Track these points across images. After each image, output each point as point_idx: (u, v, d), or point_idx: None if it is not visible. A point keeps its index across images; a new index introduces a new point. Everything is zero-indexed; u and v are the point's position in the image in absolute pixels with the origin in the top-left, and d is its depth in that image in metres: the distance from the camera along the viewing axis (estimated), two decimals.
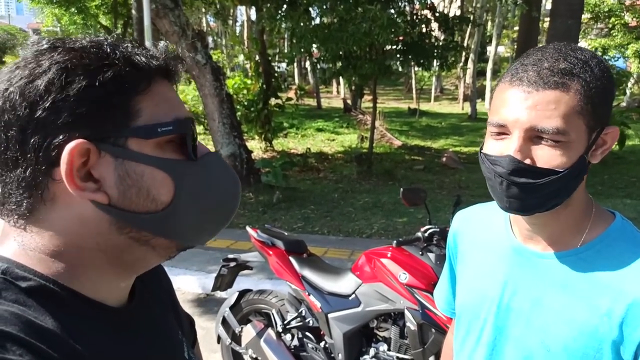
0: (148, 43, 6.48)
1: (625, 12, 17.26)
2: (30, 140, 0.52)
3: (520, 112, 0.74)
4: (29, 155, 0.52)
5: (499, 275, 0.89)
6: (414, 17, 9.22)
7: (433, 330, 2.34)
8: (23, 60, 0.55)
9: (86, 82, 0.52)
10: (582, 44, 15.99)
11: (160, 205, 0.57)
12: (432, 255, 2.44)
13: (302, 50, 8.45)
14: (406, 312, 2.39)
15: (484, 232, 0.96)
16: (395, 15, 8.12)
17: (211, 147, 8.48)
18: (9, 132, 0.52)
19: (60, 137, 0.52)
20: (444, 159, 11.17)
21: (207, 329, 3.62)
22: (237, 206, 0.66)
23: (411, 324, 2.37)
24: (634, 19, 17.81)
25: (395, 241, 2.39)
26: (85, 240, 0.56)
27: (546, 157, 0.74)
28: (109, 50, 0.56)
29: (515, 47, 15.40)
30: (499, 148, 0.78)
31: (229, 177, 0.65)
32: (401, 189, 2.54)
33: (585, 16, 15.58)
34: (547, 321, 0.80)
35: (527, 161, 0.75)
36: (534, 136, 0.75)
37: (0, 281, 0.51)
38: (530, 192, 0.76)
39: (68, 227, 0.55)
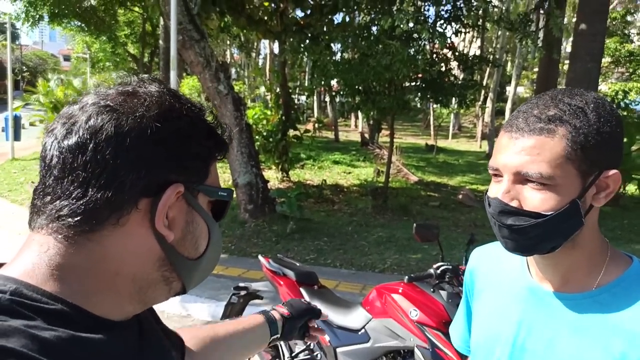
0: (173, 73, 6.67)
1: None
2: (138, 169, 0.57)
3: (508, 156, 0.78)
4: (123, 180, 0.56)
5: (514, 314, 0.89)
6: (434, 55, 9.36)
7: None
8: (145, 94, 0.60)
9: (201, 141, 0.63)
10: (603, 87, 15.98)
11: (197, 254, 0.65)
12: (444, 293, 2.41)
13: (323, 82, 8.60)
14: (416, 350, 2.35)
15: (500, 270, 0.96)
16: (415, 53, 8.24)
17: (228, 176, 8.59)
18: (122, 153, 0.55)
19: (165, 176, 0.59)
20: (460, 196, 11.10)
21: None
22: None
23: None
24: None
25: (406, 277, 2.38)
26: (127, 267, 0.59)
27: (531, 200, 0.77)
28: (216, 121, 0.67)
29: (535, 87, 15.43)
30: (494, 190, 0.82)
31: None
32: (414, 225, 2.54)
33: (606, 60, 15.62)
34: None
35: (514, 203, 0.78)
36: (522, 180, 0.78)
37: (7, 303, 0.51)
38: (519, 234, 0.78)
39: (120, 253, 0.58)
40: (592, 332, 0.78)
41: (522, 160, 0.76)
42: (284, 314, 1.09)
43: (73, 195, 0.56)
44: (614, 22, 16.62)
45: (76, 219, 0.56)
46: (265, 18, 10.31)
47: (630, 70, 17.49)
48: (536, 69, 19.24)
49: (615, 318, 0.77)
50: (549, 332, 0.83)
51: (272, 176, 11.44)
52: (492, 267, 0.99)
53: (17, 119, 14.71)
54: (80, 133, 0.56)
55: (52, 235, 0.57)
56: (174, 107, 0.61)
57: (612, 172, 0.78)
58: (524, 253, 0.83)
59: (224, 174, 9.17)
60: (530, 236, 0.78)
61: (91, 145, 0.55)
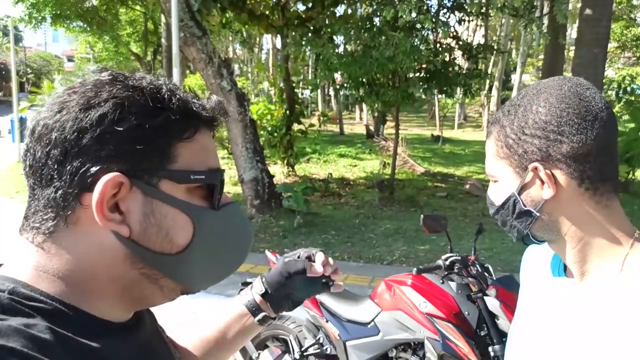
0: (176, 70, 6.67)
1: None
2: (69, 163, 0.54)
3: None
4: (64, 177, 0.54)
5: (541, 307, 0.88)
6: (437, 45, 9.28)
7: None
8: (82, 87, 0.57)
9: (137, 122, 0.55)
10: (610, 72, 15.81)
11: (176, 247, 0.59)
12: (453, 284, 2.39)
13: (327, 75, 8.56)
14: (426, 342, 2.34)
15: (537, 264, 0.97)
16: (419, 43, 8.17)
17: (234, 171, 8.59)
18: (51, 151, 0.54)
19: (99, 166, 0.54)
20: (467, 186, 11.04)
21: None
22: (244, 259, 0.69)
23: (431, 355, 2.32)
24: None
25: (415, 269, 2.36)
26: (99, 268, 0.57)
27: (490, 191, 0.86)
28: (166, 95, 0.59)
29: (540, 75, 15.30)
30: None
31: (245, 230, 0.68)
32: (422, 216, 2.52)
33: (612, 45, 15.44)
34: (591, 351, 0.77)
35: (488, 195, 0.87)
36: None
37: (7, 301, 0.51)
38: (495, 220, 0.86)
39: (85, 253, 0.56)
40: (617, 321, 0.75)
41: (486, 162, 0.86)
42: (261, 292, 0.90)
43: (31, 199, 0.57)
44: (619, 6, 16.41)
45: (36, 222, 0.56)
46: (267, 12, 10.28)
47: (637, 55, 17.29)
48: (541, 56, 19.07)
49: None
50: (570, 324, 0.80)
51: (278, 171, 11.44)
52: (534, 262, 0.99)
53: (23, 121, 14.79)
54: (26, 139, 0.58)
55: (30, 241, 0.57)
56: (100, 91, 0.56)
57: (532, 165, 0.76)
58: (522, 242, 0.85)
59: (229, 170, 9.17)
60: (500, 224, 0.85)
61: (31, 147, 0.56)
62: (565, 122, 0.74)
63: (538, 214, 0.78)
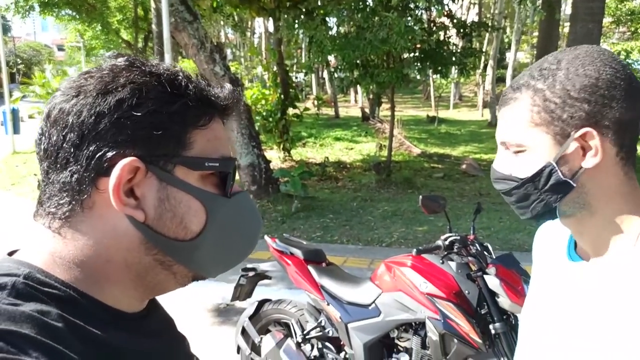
0: (167, 56, 6.58)
1: None
2: (86, 147, 0.54)
3: (497, 128, 0.83)
4: (80, 161, 0.54)
5: (554, 286, 0.87)
6: (431, 24, 9.19)
7: (455, 340, 2.29)
8: (98, 71, 0.57)
9: (154, 108, 0.56)
10: (605, 47, 15.72)
11: (190, 234, 0.59)
12: (452, 264, 2.40)
13: (320, 58, 8.48)
14: (427, 321, 2.35)
15: (551, 243, 0.95)
16: (412, 23, 8.08)
17: None
18: (68, 134, 0.55)
19: (116, 151, 0.54)
20: (464, 166, 11.05)
21: (226, 339, 3.61)
22: (254, 246, 0.69)
23: (433, 334, 2.33)
24: None
25: (415, 249, 2.36)
26: (114, 254, 0.57)
27: (510, 165, 0.79)
28: (183, 82, 0.59)
29: (535, 52, 15.21)
30: None
31: (254, 218, 0.69)
32: (420, 197, 2.51)
33: (607, 19, 15.33)
34: (604, 337, 0.74)
35: (503, 170, 0.81)
36: (506, 148, 0.80)
37: (22, 286, 0.51)
38: (508, 198, 0.81)
39: (100, 238, 0.57)
40: (634, 297, 0.74)
41: (500, 130, 0.80)
42: None
43: (45, 184, 0.58)
44: None
45: (52, 207, 0.57)
46: None
47: (632, 29, 17.20)
48: (536, 33, 18.94)
49: None
50: (588, 304, 0.78)
51: (274, 156, 11.40)
52: (549, 242, 0.97)
53: (15, 112, 14.64)
54: (41, 123, 0.58)
55: (47, 227, 0.58)
56: (117, 77, 0.56)
57: (583, 130, 0.72)
58: (533, 220, 0.82)
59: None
60: (515, 200, 0.80)
61: (46, 131, 0.57)
62: (615, 86, 0.71)
63: (574, 185, 0.75)
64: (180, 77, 0.59)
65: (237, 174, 0.67)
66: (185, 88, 0.59)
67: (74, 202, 0.56)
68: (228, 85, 0.65)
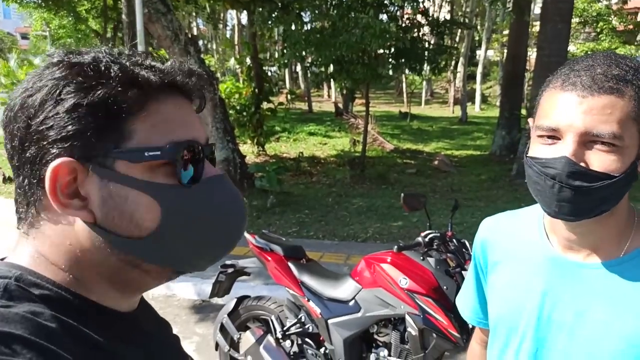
0: (141, 47, 6.44)
1: (612, 16, 17.49)
2: (26, 152, 0.53)
3: (574, 116, 0.74)
4: (26, 166, 0.54)
5: (537, 286, 0.88)
6: (406, 22, 9.27)
7: (434, 335, 2.34)
8: (33, 72, 0.56)
9: (75, 101, 0.52)
10: (571, 47, 16.17)
11: (145, 231, 0.55)
12: (432, 260, 2.44)
13: (297, 54, 8.45)
14: (407, 317, 2.39)
15: (516, 242, 0.95)
16: (388, 21, 8.14)
17: None
18: (13, 141, 0.54)
19: (53, 152, 0.52)
20: (436, 162, 11.22)
21: (204, 336, 3.59)
22: (239, 235, 0.63)
23: (412, 329, 2.37)
24: (622, 23, 18.04)
25: (395, 246, 2.39)
26: (80, 255, 0.56)
27: (601, 161, 0.74)
28: (104, 67, 0.53)
29: (505, 51, 15.53)
30: (550, 152, 0.77)
31: (232, 203, 0.61)
32: (402, 195, 2.54)
33: (574, 20, 15.77)
34: (592, 333, 0.79)
35: (582, 164, 0.75)
36: (587, 141, 0.74)
37: (14, 288, 0.51)
38: (584, 196, 0.75)
39: (63, 240, 0.56)
40: (624, 300, 0.78)
41: (592, 119, 0.73)
42: None
43: (15, 188, 0.58)
44: None
45: (18, 212, 0.57)
46: None
47: (597, 30, 17.73)
48: (506, 32, 19.33)
49: None
50: (577, 303, 0.82)
51: (248, 150, 11.33)
52: (506, 238, 0.97)
53: None
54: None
55: (21, 230, 0.58)
56: (42, 75, 0.54)
57: None
58: (576, 218, 0.78)
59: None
60: (594, 198, 0.75)
61: (5, 139, 0.56)
62: None
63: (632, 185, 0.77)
64: (101, 62, 0.54)
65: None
66: (107, 73, 0.53)
67: (29, 206, 0.56)
68: (171, 60, 0.60)
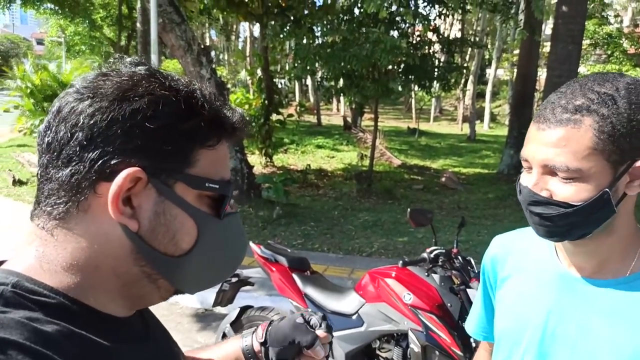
0: (154, 56, 6.53)
1: (623, 39, 17.50)
2: (92, 149, 0.54)
3: (535, 148, 0.78)
4: (84, 161, 0.54)
5: (544, 301, 0.89)
6: (417, 38, 9.33)
7: (437, 352, 2.33)
8: (117, 76, 0.57)
9: (168, 123, 0.56)
10: (582, 69, 16.18)
11: (179, 251, 0.59)
12: (436, 277, 2.44)
13: (308, 69, 8.51)
14: (410, 333, 2.38)
15: (527, 258, 0.96)
16: (399, 36, 8.20)
17: None
18: (77, 133, 0.54)
19: (121, 159, 0.54)
20: (443, 179, 11.20)
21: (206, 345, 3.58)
22: (237, 267, 0.70)
23: (415, 346, 2.36)
24: (632, 46, 18.04)
25: (400, 261, 2.39)
26: (103, 260, 0.57)
27: (560, 191, 0.77)
28: (200, 102, 0.59)
29: (516, 70, 15.56)
30: (526, 180, 0.82)
31: (241, 240, 0.69)
32: (409, 210, 2.55)
33: (585, 42, 15.79)
34: (594, 349, 0.79)
35: (544, 193, 0.78)
36: (550, 171, 0.77)
37: (10, 294, 0.51)
38: (549, 222, 0.78)
39: (92, 243, 0.56)
40: (627, 318, 0.78)
41: (548, 152, 0.76)
42: (261, 342, 0.88)
43: (43, 180, 0.57)
44: (591, 4, 16.78)
45: (48, 206, 0.57)
46: (246, 0, 10.12)
47: (608, 52, 17.74)
48: (516, 51, 19.39)
49: None
50: (582, 319, 0.82)
51: (256, 161, 11.37)
52: (517, 254, 0.98)
53: None
54: (49, 116, 0.57)
55: (42, 228, 0.57)
56: (137, 86, 0.56)
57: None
58: (556, 239, 0.83)
59: None
60: (560, 224, 0.78)
61: (53, 125, 0.56)
62: None
63: (616, 211, 0.77)
64: (197, 96, 0.59)
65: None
66: (201, 107, 0.59)
67: (70, 203, 0.55)
68: (239, 110, 0.66)
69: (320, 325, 0.87)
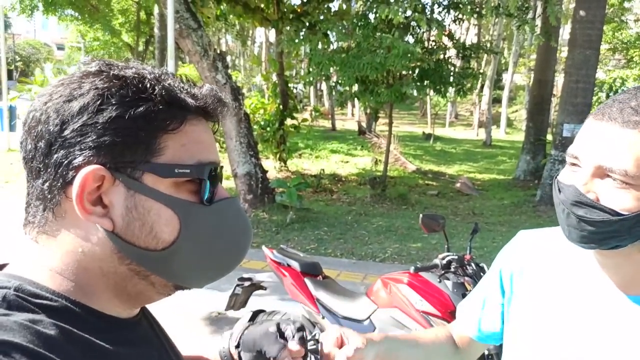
0: (171, 62, 6.62)
1: None
2: (53, 155, 0.54)
3: (593, 146, 0.73)
4: (49, 169, 0.54)
5: (568, 306, 0.85)
6: (432, 43, 9.31)
7: None
8: (69, 78, 0.57)
9: (117, 113, 0.54)
10: (600, 74, 15.96)
11: (162, 243, 0.57)
12: (449, 283, 2.43)
13: (322, 74, 8.55)
14: None
15: (555, 259, 0.91)
16: (413, 42, 8.20)
17: (227, 166, 8.58)
18: (38, 143, 0.55)
19: (81, 158, 0.53)
20: (458, 184, 11.12)
21: None
22: (243, 256, 0.66)
23: None
24: None
25: (413, 267, 2.38)
26: (90, 262, 0.57)
27: (611, 197, 0.71)
28: (149, 85, 0.56)
29: (532, 75, 15.42)
30: (569, 178, 0.76)
31: (241, 226, 0.65)
32: (421, 215, 2.54)
33: (603, 47, 15.59)
34: None
35: (591, 196, 0.73)
36: (603, 173, 0.72)
37: (13, 297, 0.51)
38: (590, 226, 0.73)
39: (75, 246, 0.56)
40: None
41: (608, 153, 0.70)
42: (234, 344, 0.87)
43: (27, 191, 0.58)
44: (611, 9, 16.57)
45: (30, 216, 0.57)
46: (262, 6, 10.21)
47: (627, 57, 17.48)
48: (533, 56, 19.21)
49: None
50: (606, 329, 0.80)
51: (270, 166, 11.42)
52: (546, 254, 0.93)
53: (12, 110, 14.59)
54: (22, 130, 0.58)
55: (28, 235, 0.58)
56: (83, 82, 0.55)
57: None
58: (587, 245, 0.77)
59: (223, 165, 9.13)
60: (599, 231, 0.73)
61: (23, 140, 0.56)
62: None
63: None
64: (147, 79, 0.57)
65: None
66: (151, 90, 0.56)
67: (46, 210, 0.55)
68: (207, 85, 0.62)
69: (293, 337, 0.82)
